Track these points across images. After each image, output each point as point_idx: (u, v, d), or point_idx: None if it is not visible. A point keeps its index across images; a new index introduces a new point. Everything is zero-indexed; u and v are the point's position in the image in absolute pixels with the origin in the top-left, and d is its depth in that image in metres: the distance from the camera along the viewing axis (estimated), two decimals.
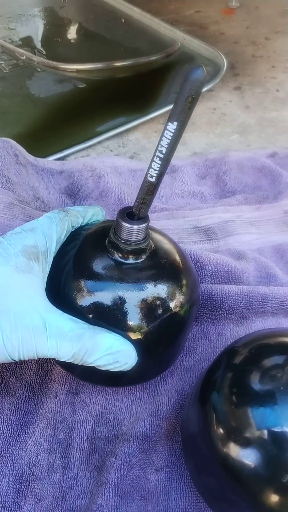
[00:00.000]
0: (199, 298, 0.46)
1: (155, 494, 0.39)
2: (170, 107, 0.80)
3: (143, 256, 0.38)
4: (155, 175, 0.32)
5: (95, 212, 0.44)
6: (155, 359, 0.42)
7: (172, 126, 0.29)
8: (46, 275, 0.37)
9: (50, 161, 0.68)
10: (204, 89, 0.88)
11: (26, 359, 0.33)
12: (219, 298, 0.51)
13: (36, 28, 1.05)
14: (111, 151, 0.75)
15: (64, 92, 0.85)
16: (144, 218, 0.37)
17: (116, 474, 0.39)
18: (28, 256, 0.35)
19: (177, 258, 0.41)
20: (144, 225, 0.37)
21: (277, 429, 0.30)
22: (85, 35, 1.05)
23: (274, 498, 0.30)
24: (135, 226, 0.36)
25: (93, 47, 0.99)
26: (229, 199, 0.66)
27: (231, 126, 0.84)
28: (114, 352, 0.35)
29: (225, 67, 0.94)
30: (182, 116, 0.29)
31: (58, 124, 0.78)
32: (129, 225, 0.36)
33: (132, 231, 0.36)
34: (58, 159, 0.71)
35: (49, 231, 0.38)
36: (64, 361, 0.34)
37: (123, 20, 1.09)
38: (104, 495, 0.38)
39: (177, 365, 0.47)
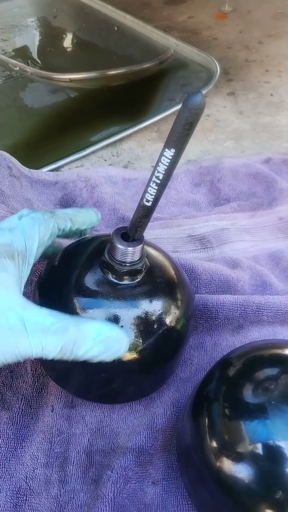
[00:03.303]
0: (195, 310, 0.47)
1: (152, 507, 0.39)
2: (164, 114, 0.81)
3: (138, 277, 0.38)
4: (151, 199, 0.32)
5: (88, 216, 0.43)
6: (153, 376, 0.42)
7: (169, 153, 0.29)
8: (25, 277, 0.35)
9: (44, 172, 0.69)
10: None
11: (10, 362, 0.31)
12: (214, 308, 0.51)
13: (29, 39, 1.05)
14: (105, 160, 0.75)
15: (58, 102, 0.85)
16: (139, 239, 0.36)
17: (113, 488, 0.39)
18: (1, 254, 0.33)
19: (172, 274, 0.41)
20: (139, 246, 0.36)
21: (269, 444, 0.30)
22: (78, 44, 1.05)
23: (261, 510, 0.30)
24: (130, 248, 0.36)
25: (86, 56, 1.00)
26: (224, 207, 0.66)
27: (225, 133, 0.84)
28: (104, 339, 0.32)
29: (218, 73, 0.94)
30: (179, 143, 0.29)
31: (52, 135, 0.78)
32: (123, 247, 0.36)
33: (127, 253, 0.36)
34: (53, 170, 0.72)
35: (31, 231, 0.37)
36: (53, 361, 0.32)
37: (115, 28, 1.10)
38: (101, 509, 0.38)
39: (173, 377, 0.48)
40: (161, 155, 0.30)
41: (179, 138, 0.28)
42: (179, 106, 0.86)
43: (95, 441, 0.43)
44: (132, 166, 0.74)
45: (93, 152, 0.75)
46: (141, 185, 0.68)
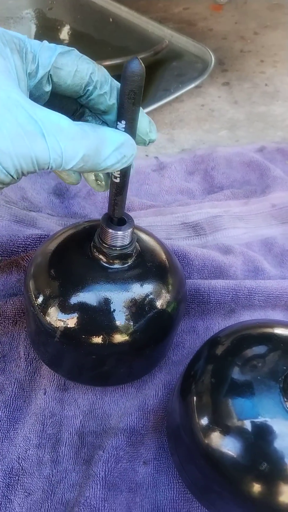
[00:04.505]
0: (186, 295, 0.47)
1: (143, 486, 0.40)
2: (159, 104, 0.81)
3: (129, 261, 0.38)
4: (118, 175, 0.32)
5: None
6: (144, 358, 0.43)
7: (121, 125, 0.29)
8: (24, 88, 0.29)
9: None
10: (192, 86, 0.88)
11: (26, 173, 0.27)
12: (206, 293, 0.51)
13: (24, 31, 1.05)
14: None
15: None
16: (129, 223, 0.37)
17: (104, 467, 0.39)
18: (9, 43, 0.28)
19: (163, 258, 0.41)
20: (129, 230, 0.36)
21: (253, 418, 0.30)
22: (73, 36, 1.06)
23: (254, 486, 0.30)
24: (119, 232, 0.36)
25: (82, 47, 0.99)
26: (217, 194, 0.67)
27: (220, 122, 0.84)
28: (119, 145, 0.29)
29: (213, 63, 0.94)
30: (128, 114, 0.29)
31: None
32: (113, 231, 0.36)
33: (117, 237, 0.36)
34: None
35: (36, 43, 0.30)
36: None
37: (111, 20, 1.10)
38: (92, 488, 0.38)
39: (165, 360, 0.48)
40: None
41: (126, 109, 0.29)
42: (173, 96, 0.87)
43: (87, 423, 0.43)
44: None
45: None
46: (135, 174, 0.68)
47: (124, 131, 0.29)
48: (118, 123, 0.29)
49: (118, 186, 0.33)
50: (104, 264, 0.38)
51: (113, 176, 0.33)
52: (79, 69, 0.30)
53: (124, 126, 0.29)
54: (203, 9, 1.21)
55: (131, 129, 0.30)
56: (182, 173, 0.71)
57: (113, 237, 0.36)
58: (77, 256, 0.39)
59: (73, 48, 0.31)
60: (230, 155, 0.73)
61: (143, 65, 0.27)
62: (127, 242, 0.37)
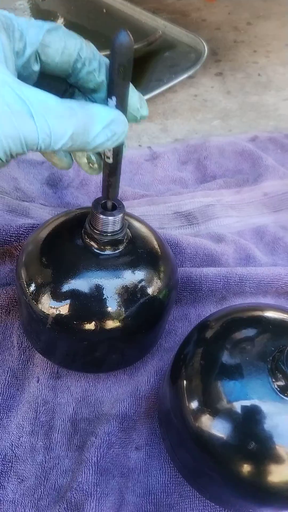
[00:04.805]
0: (178, 282, 0.47)
1: (136, 471, 0.40)
2: (152, 94, 0.81)
3: (120, 247, 0.38)
4: (111, 155, 0.32)
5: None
6: (136, 345, 0.43)
7: (112, 102, 0.29)
8: (12, 68, 0.28)
9: (31, 153, 0.69)
10: (185, 76, 0.88)
11: (14, 155, 0.26)
12: (198, 281, 0.52)
13: None
14: None
15: None
16: (120, 209, 0.36)
17: (96, 453, 0.40)
18: None
19: (155, 245, 0.41)
20: (120, 215, 0.36)
21: (242, 400, 0.30)
22: (67, 27, 1.04)
23: (243, 467, 0.30)
24: (110, 218, 0.36)
25: None
26: (210, 184, 0.67)
27: (213, 112, 0.84)
28: (109, 122, 0.28)
29: (206, 53, 0.94)
30: (119, 89, 0.28)
31: None
32: (104, 217, 0.36)
33: (107, 222, 0.36)
34: None
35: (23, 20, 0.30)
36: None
37: (104, 10, 1.09)
38: (84, 473, 0.39)
39: (157, 347, 0.48)
40: None
41: (116, 84, 0.28)
42: (166, 86, 0.86)
43: (80, 410, 0.44)
44: None
45: None
46: (127, 163, 0.68)
47: (115, 107, 0.29)
48: (109, 99, 0.29)
49: (111, 166, 0.33)
50: (95, 250, 0.38)
51: (105, 156, 0.32)
52: (67, 45, 0.29)
53: (115, 102, 0.29)
54: (196, 0, 1.21)
55: (122, 105, 0.29)
56: (175, 163, 0.71)
57: (104, 222, 0.36)
58: (68, 243, 0.39)
59: (60, 24, 0.30)
60: (222, 145, 0.73)
61: (131, 37, 0.26)
62: (118, 228, 0.37)
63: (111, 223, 0.36)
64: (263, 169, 0.68)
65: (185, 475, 0.37)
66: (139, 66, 0.91)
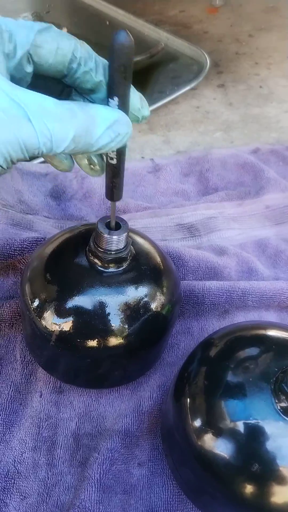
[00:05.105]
0: (181, 296, 0.47)
1: (138, 488, 0.40)
2: (154, 106, 0.81)
3: (124, 264, 0.38)
4: (115, 156, 0.31)
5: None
6: (139, 361, 0.43)
7: (114, 102, 0.28)
8: (3, 70, 0.28)
9: (35, 164, 0.69)
10: (188, 88, 0.89)
11: (15, 161, 0.26)
12: (200, 294, 0.52)
13: None
14: None
15: None
16: (124, 227, 0.37)
17: (99, 469, 0.39)
18: None
19: (158, 261, 0.42)
20: (124, 234, 0.36)
21: (245, 420, 0.30)
22: None
23: (246, 487, 0.30)
24: (115, 237, 0.36)
25: None
26: (212, 196, 0.67)
27: (215, 124, 0.84)
28: (112, 123, 0.28)
29: (208, 65, 0.95)
30: (120, 89, 0.28)
31: None
32: (108, 236, 0.36)
33: (112, 241, 0.36)
34: (44, 162, 0.72)
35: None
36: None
37: (107, 23, 1.10)
38: (87, 490, 0.38)
39: (160, 361, 0.48)
40: None
41: (118, 84, 0.28)
42: (169, 98, 0.87)
43: (82, 425, 0.44)
44: None
45: None
46: (130, 176, 0.69)
47: (117, 108, 0.28)
48: (110, 100, 0.28)
49: (115, 167, 0.32)
50: (99, 268, 0.38)
51: (108, 157, 0.31)
52: (60, 46, 0.29)
53: (117, 103, 0.28)
54: (198, 12, 1.22)
55: (124, 105, 0.28)
56: (177, 175, 0.71)
57: (108, 241, 0.36)
58: (73, 260, 0.39)
59: (51, 24, 0.30)
60: (224, 157, 0.73)
61: (131, 36, 0.26)
62: (122, 246, 0.37)
63: (115, 242, 0.36)
64: (265, 181, 0.68)
65: (187, 493, 0.37)
66: (142, 78, 0.92)
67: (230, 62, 1.02)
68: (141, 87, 0.89)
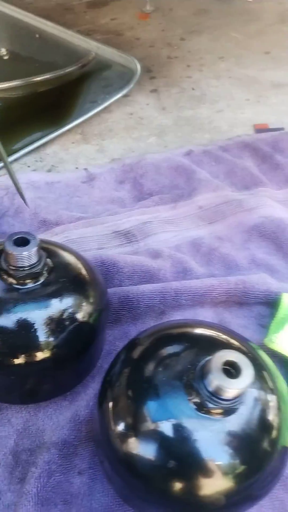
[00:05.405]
0: (108, 303, 0.48)
1: (79, 496, 0.40)
2: (86, 116, 0.82)
3: (41, 278, 0.39)
4: None
5: None
6: (69, 371, 0.43)
7: None
8: None
9: None
10: (119, 95, 0.90)
11: None
12: (135, 299, 0.53)
13: None
14: (29, 166, 0.76)
15: None
16: (33, 242, 0.36)
17: (36, 483, 0.40)
18: None
19: (79, 271, 0.42)
20: (34, 249, 0.37)
21: (162, 420, 0.31)
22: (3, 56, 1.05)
23: (171, 486, 0.31)
24: (25, 253, 0.36)
25: (8, 65, 1.00)
26: (146, 201, 0.68)
27: (148, 129, 0.86)
28: None
29: (139, 72, 0.96)
30: None
31: None
32: (17, 253, 0.36)
33: (22, 257, 0.36)
34: None
35: None
36: None
37: (37, 35, 1.10)
38: (25, 505, 0.38)
39: (97, 369, 0.49)
40: None
41: None
42: (102, 107, 0.88)
43: (21, 441, 0.43)
44: (56, 170, 0.75)
45: (15, 160, 0.76)
46: (64, 187, 0.69)
47: None
48: None
49: None
50: (15, 286, 0.38)
51: None
52: None
53: None
54: (130, 19, 1.24)
55: None
56: (112, 183, 0.72)
57: (18, 258, 0.36)
58: None
59: None
60: (158, 161, 0.74)
61: None
62: (35, 261, 0.37)
63: (26, 257, 0.36)
64: (197, 182, 0.70)
65: (121, 495, 0.38)
66: (72, 89, 0.92)
67: (162, 66, 1.04)
68: (72, 99, 0.90)
